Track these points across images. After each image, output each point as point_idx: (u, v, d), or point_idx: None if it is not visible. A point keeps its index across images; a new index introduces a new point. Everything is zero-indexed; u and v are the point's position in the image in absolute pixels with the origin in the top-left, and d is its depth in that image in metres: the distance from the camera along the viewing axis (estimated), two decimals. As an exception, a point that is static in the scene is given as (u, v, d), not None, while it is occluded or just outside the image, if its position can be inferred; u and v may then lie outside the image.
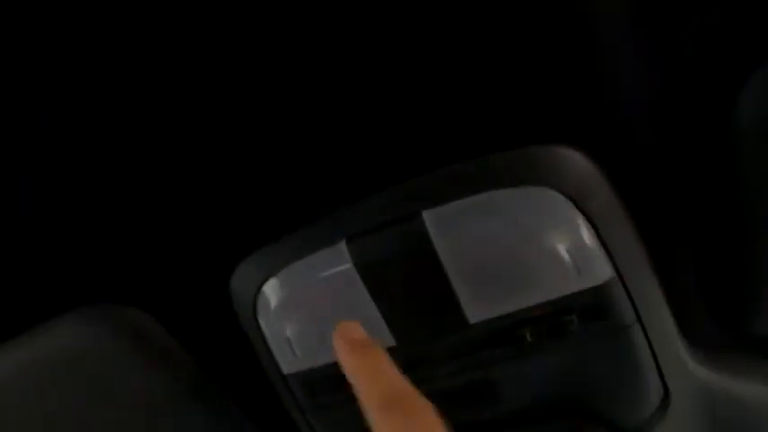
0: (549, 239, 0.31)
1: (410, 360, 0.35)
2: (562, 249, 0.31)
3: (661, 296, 0.34)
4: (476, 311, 0.33)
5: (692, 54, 0.31)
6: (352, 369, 0.25)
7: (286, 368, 0.36)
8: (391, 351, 0.34)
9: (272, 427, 0.41)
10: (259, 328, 0.35)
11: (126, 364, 0.36)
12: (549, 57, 0.31)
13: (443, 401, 0.36)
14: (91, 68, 0.29)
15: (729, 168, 0.33)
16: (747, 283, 0.35)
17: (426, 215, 0.31)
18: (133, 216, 0.35)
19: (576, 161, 0.31)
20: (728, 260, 0.35)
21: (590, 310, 0.32)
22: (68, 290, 0.36)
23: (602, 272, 0.32)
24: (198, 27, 0.29)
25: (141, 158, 0.33)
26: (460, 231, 0.32)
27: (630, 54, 0.31)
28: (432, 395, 0.36)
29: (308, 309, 0.35)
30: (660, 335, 0.34)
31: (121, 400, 0.36)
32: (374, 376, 0.24)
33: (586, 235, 0.31)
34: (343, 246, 0.33)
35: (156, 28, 0.28)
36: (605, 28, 0.31)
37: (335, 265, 0.33)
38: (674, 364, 0.35)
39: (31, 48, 0.29)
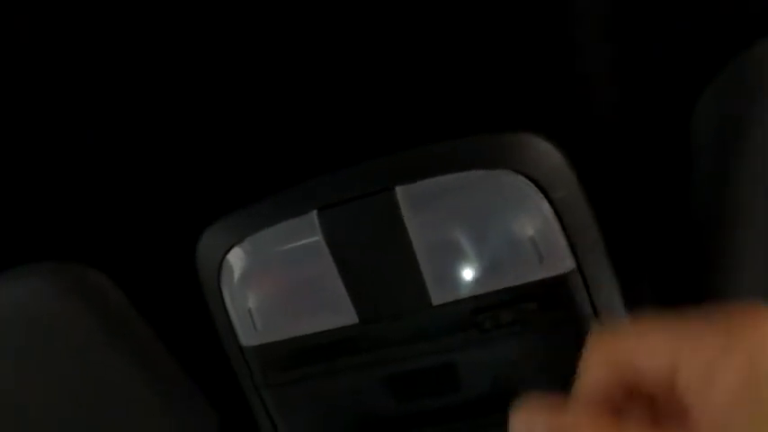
0: (515, 224, 0.32)
1: (372, 340, 0.35)
2: (527, 236, 0.32)
3: (618, 293, 0.35)
4: (439, 293, 0.33)
5: (658, 64, 0.33)
6: None
7: (244, 340, 0.35)
8: (354, 329, 0.35)
9: (224, 403, 0.40)
10: (221, 296, 0.35)
11: (72, 320, 0.35)
12: (528, 55, 0.32)
13: (403, 386, 0.36)
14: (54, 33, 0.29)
15: (686, 174, 0.35)
16: (701, 288, 0.36)
17: (399, 191, 0.32)
18: (101, 176, 0.34)
19: (546, 150, 0.32)
20: (683, 266, 0.37)
21: (549, 299, 0.33)
22: (25, 246, 0.35)
23: (564, 262, 0.33)
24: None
25: (109, 117, 0.32)
26: (431, 210, 0.32)
27: (602, 58, 0.33)
28: (391, 378, 0.36)
29: (273, 280, 0.35)
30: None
31: (63, 353, 0.35)
32: None
33: (551, 224, 0.32)
34: (313, 216, 0.33)
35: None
36: (582, 34, 0.32)
37: (304, 236, 0.33)
38: None
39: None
